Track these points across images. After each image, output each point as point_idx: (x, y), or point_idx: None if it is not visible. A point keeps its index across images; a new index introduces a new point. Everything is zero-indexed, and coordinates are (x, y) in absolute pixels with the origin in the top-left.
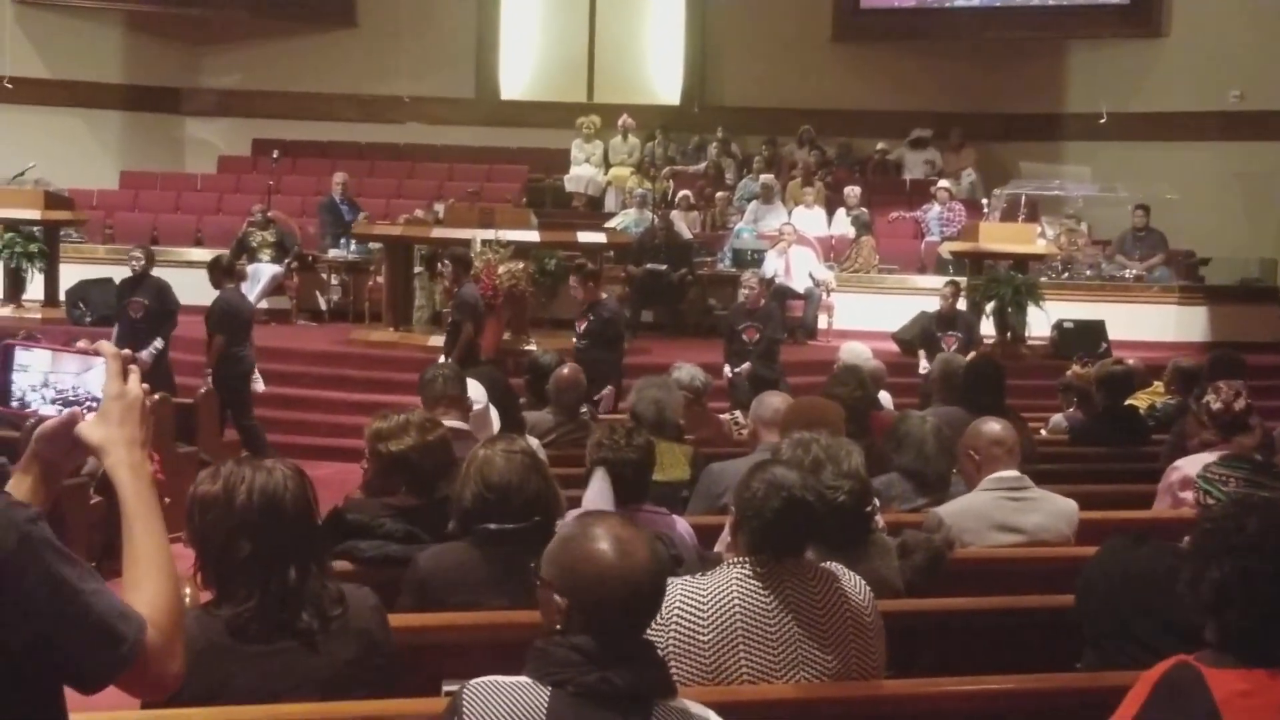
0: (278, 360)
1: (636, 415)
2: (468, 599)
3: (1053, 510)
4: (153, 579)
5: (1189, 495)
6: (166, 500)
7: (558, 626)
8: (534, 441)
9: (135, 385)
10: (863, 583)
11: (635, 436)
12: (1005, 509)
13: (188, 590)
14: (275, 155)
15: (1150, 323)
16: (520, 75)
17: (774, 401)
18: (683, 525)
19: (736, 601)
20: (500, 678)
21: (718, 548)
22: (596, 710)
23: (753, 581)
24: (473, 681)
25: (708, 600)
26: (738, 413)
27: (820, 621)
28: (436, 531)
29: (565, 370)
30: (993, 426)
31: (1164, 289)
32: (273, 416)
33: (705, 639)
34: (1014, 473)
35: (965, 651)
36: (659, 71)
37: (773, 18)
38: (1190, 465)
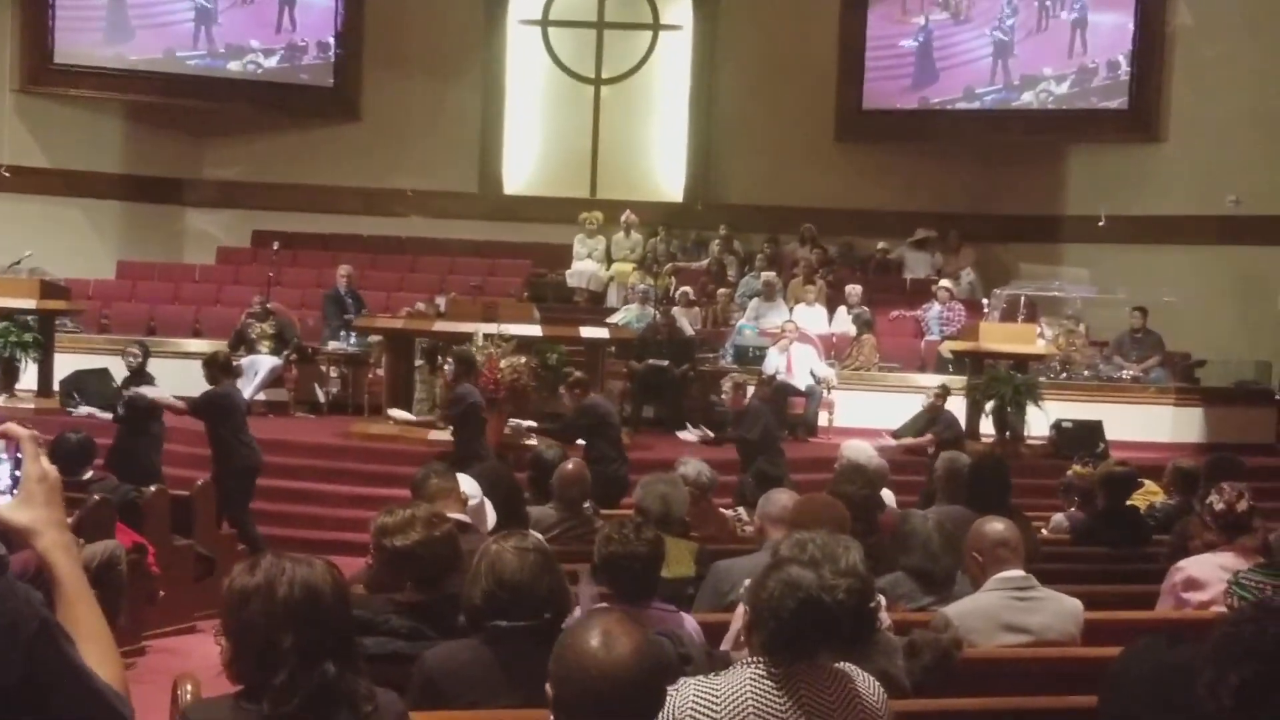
0: (276, 453)
1: (642, 510)
2: (477, 698)
3: (1058, 610)
4: (109, 659)
5: (1192, 596)
6: (161, 594)
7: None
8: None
9: (51, 466)
10: (876, 684)
11: (644, 531)
12: (1012, 609)
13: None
14: (276, 246)
15: (1147, 423)
16: (524, 170)
17: (781, 499)
18: (691, 623)
19: (750, 703)
20: None
21: (724, 645)
22: None
23: (767, 682)
24: None
25: (721, 701)
26: (741, 509)
27: None
28: (442, 628)
29: (570, 466)
30: (996, 526)
31: (1160, 390)
32: (272, 510)
33: None
34: (1020, 572)
35: None
36: (662, 168)
37: (776, 116)
38: (1194, 566)
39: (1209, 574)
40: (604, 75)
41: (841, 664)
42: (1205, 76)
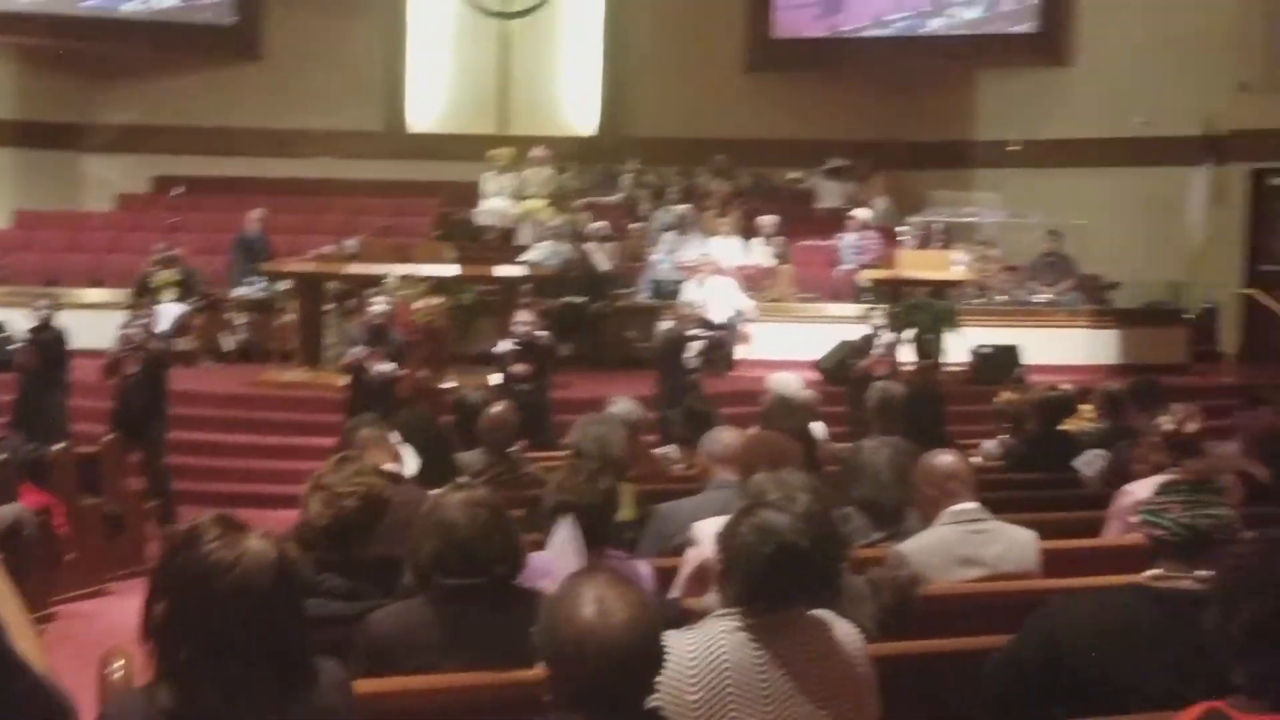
0: (184, 404)
1: (580, 452)
2: (425, 662)
3: (1012, 541)
4: (33, 646)
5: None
6: (70, 555)
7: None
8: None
9: None
10: (854, 631)
11: (598, 478)
12: (967, 542)
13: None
14: (177, 192)
15: (1062, 347)
16: (431, 107)
17: (724, 437)
18: (645, 569)
19: (727, 658)
20: None
21: (674, 592)
22: None
23: (743, 634)
24: None
25: (696, 657)
26: (673, 447)
27: (814, 676)
28: (383, 587)
29: (495, 409)
30: (945, 459)
31: (1073, 313)
32: (181, 463)
33: (693, 698)
34: (973, 504)
35: (957, 693)
36: (572, 102)
37: (687, 48)
38: (1142, 489)
39: None
40: (511, 8)
41: (818, 611)
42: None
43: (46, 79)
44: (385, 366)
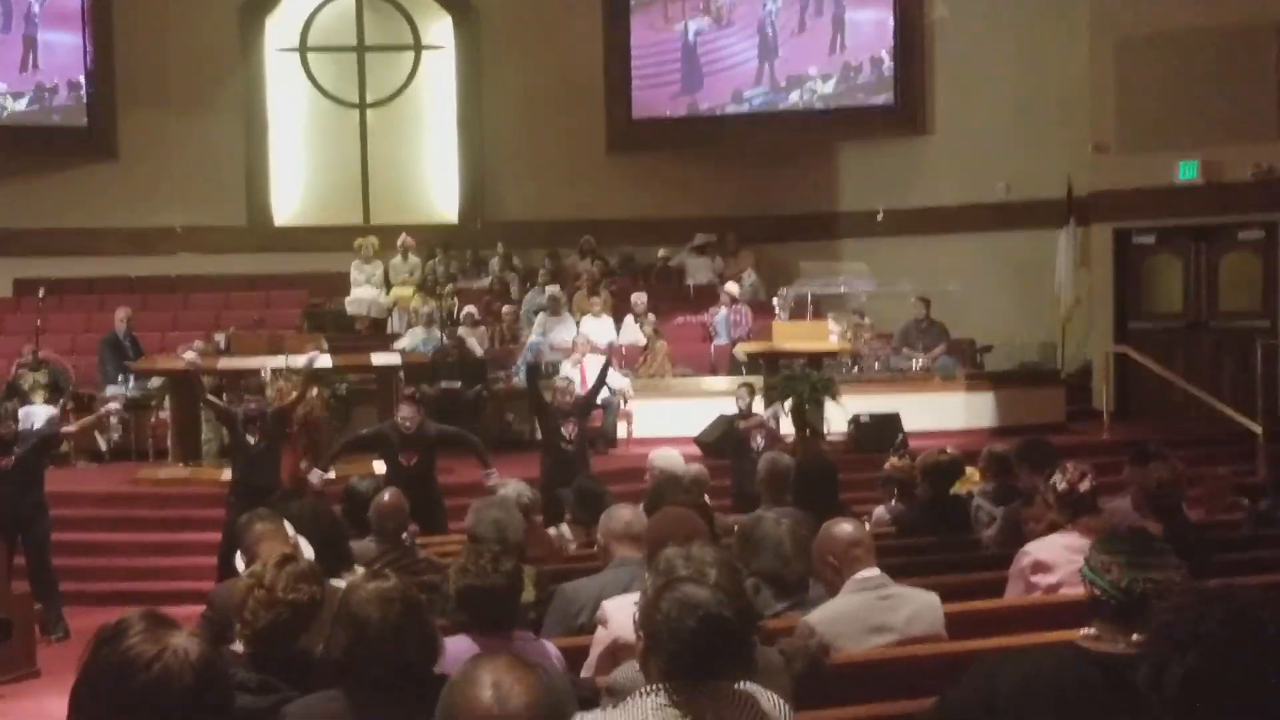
0: (62, 505)
1: (477, 537)
2: None
3: (919, 605)
4: None
5: (1041, 579)
6: None
7: None
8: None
9: None
10: (781, 702)
11: (502, 562)
12: (876, 609)
13: None
14: (41, 293)
15: (941, 411)
16: (294, 199)
17: (624, 514)
18: (554, 651)
19: None
20: None
21: (584, 673)
22: None
23: (670, 710)
24: None
25: None
26: (564, 527)
27: None
28: (291, 680)
29: (386, 496)
30: (845, 528)
31: (949, 378)
32: (62, 564)
33: None
34: (875, 571)
35: None
36: (435, 189)
37: (547, 131)
38: (1040, 549)
39: (1056, 556)
40: (369, 99)
41: (743, 684)
42: (964, 68)
43: None
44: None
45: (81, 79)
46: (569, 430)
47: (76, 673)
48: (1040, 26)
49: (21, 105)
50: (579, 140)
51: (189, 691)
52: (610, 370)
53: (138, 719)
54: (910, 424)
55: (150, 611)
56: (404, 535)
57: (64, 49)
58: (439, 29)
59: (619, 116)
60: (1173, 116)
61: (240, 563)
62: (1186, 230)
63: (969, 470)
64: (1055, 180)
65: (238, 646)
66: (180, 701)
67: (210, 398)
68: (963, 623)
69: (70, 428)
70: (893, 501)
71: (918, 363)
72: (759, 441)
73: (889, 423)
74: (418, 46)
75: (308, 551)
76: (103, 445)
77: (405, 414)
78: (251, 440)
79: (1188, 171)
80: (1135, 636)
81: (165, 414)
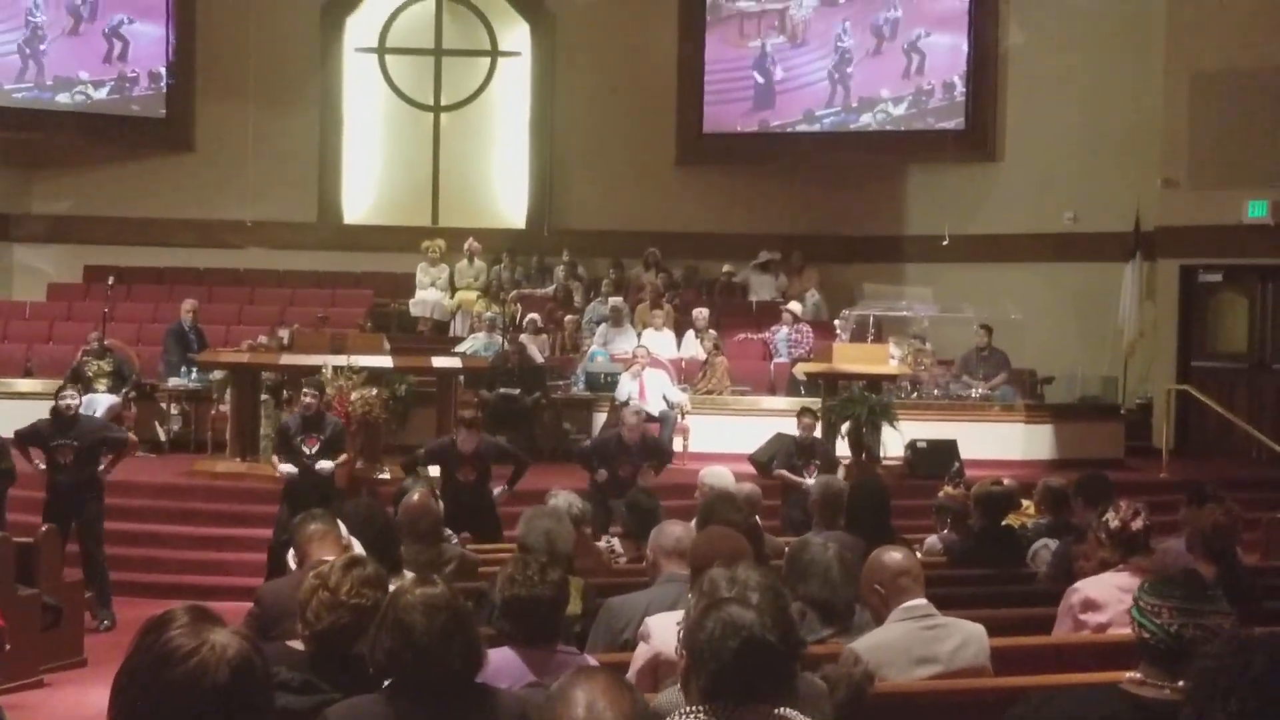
0: (117, 494)
1: (527, 547)
2: None
3: (965, 637)
4: None
5: (1090, 618)
6: (7, 647)
7: None
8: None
9: None
10: None
11: (549, 572)
12: (921, 640)
13: None
14: (110, 281)
15: (999, 441)
16: (364, 199)
17: (675, 530)
18: (594, 664)
19: None
20: None
21: None
22: None
23: None
24: None
25: None
26: (614, 540)
27: None
28: (334, 680)
29: (415, 497)
30: (895, 556)
31: (1008, 408)
32: (115, 554)
33: None
34: (922, 601)
35: None
36: (504, 194)
37: (617, 141)
38: (1090, 587)
39: (1106, 595)
40: (443, 102)
41: (784, 710)
42: (1038, 95)
43: None
44: (325, 465)
45: (163, 70)
46: (625, 472)
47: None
48: (1114, 58)
49: (103, 94)
50: (648, 152)
51: (223, 688)
52: (668, 383)
53: (172, 711)
54: (967, 452)
55: (196, 606)
56: (455, 540)
57: (147, 40)
58: (516, 36)
59: (689, 130)
60: (1244, 154)
61: (292, 561)
62: (1254, 270)
63: (1024, 503)
64: (1122, 213)
65: (297, 643)
66: (214, 697)
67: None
68: (1009, 658)
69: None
70: (945, 530)
71: (977, 391)
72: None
73: (946, 450)
74: (494, 52)
75: (360, 554)
76: (162, 436)
77: (464, 438)
78: (308, 451)
79: (1257, 210)
80: (1181, 683)
81: (225, 407)
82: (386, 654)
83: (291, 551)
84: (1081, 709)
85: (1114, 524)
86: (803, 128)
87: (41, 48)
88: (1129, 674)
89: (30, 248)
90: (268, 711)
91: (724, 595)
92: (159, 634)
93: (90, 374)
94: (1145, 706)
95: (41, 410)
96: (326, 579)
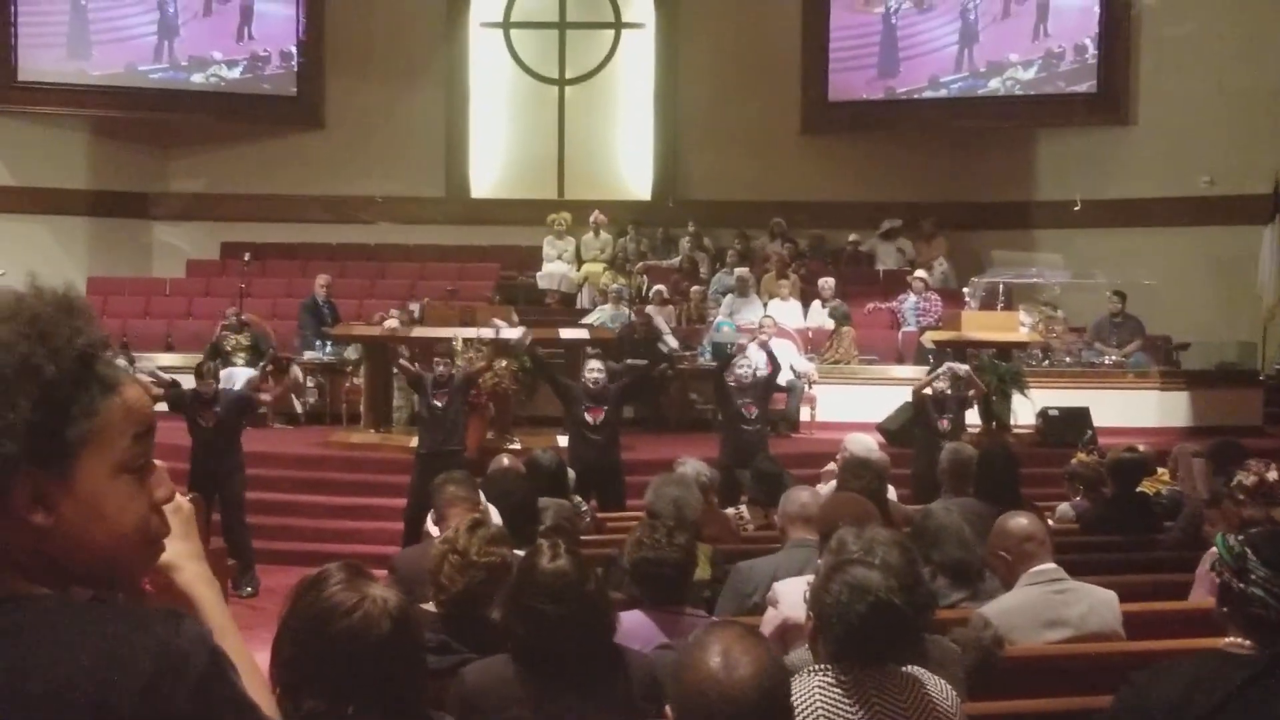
0: (256, 465)
1: (655, 514)
2: (516, 716)
3: (1095, 602)
4: (263, 692)
5: None
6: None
7: None
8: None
9: (183, 498)
10: (949, 688)
11: (677, 536)
12: (1051, 604)
13: None
14: (247, 257)
15: (1132, 408)
16: (490, 173)
17: (802, 496)
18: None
19: (821, 712)
20: None
21: None
22: None
23: (836, 690)
24: None
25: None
26: (743, 508)
27: None
28: (469, 641)
29: (506, 460)
30: (1020, 521)
31: (1143, 374)
32: (254, 523)
33: None
34: (1051, 565)
35: None
36: (629, 167)
37: (742, 111)
38: None
39: None
40: (568, 75)
41: (910, 668)
42: (1172, 56)
43: (118, 150)
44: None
45: (293, 49)
46: (749, 410)
47: (276, 626)
48: (1255, 14)
49: (235, 74)
50: (773, 121)
51: (386, 639)
52: (795, 353)
53: (336, 665)
54: (1100, 420)
55: (349, 563)
56: (584, 507)
57: (278, 19)
58: (639, 6)
59: (814, 98)
60: None
61: (431, 525)
62: None
63: (1159, 470)
64: (1262, 175)
65: (430, 606)
66: (377, 648)
67: (403, 362)
68: (1143, 623)
69: (266, 396)
70: (1078, 498)
71: (1110, 358)
72: (945, 424)
73: (1078, 417)
74: (618, 24)
75: (497, 521)
76: (298, 408)
77: (593, 367)
78: (439, 405)
79: None
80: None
81: (359, 380)
82: (516, 615)
83: (430, 514)
84: (1195, 676)
85: (1249, 481)
86: (929, 94)
87: (176, 30)
88: (1225, 639)
89: (169, 225)
90: (421, 665)
91: (852, 554)
92: (319, 590)
93: (229, 348)
94: (1245, 664)
95: (183, 384)
96: (454, 542)
